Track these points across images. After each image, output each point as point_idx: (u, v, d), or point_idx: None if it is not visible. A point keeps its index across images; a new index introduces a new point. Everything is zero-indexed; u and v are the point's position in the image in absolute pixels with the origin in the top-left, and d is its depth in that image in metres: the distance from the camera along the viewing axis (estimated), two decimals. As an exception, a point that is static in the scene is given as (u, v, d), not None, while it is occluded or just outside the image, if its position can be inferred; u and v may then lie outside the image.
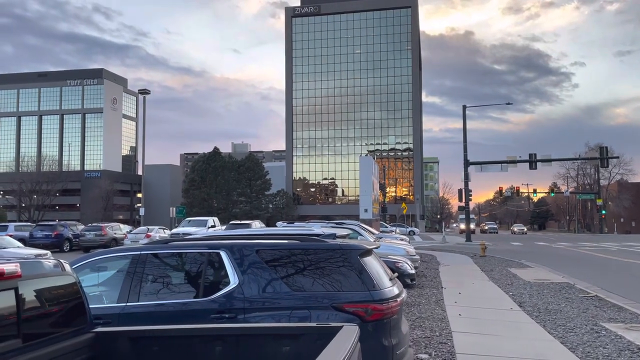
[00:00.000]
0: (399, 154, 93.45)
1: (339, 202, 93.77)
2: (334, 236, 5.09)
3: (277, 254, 4.66)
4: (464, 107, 38.80)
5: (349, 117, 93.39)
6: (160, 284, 4.71)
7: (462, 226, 75.96)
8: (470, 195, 38.54)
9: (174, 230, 32.54)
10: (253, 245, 4.76)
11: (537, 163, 38.71)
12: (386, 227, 39.10)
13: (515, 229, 76.82)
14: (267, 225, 41.24)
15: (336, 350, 2.25)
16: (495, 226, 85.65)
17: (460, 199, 39.76)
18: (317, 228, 8.36)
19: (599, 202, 65.09)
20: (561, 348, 6.96)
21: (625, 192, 74.58)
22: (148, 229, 31.80)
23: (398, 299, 4.52)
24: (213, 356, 2.99)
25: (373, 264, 4.69)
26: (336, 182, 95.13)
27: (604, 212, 64.28)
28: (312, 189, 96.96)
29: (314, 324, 2.98)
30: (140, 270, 4.70)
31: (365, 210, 29.52)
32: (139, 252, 4.81)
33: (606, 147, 38.90)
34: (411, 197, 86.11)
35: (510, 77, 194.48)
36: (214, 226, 33.98)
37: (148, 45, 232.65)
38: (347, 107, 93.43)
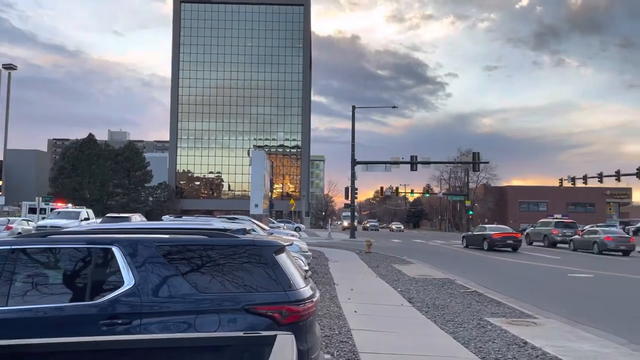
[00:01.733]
0: (287, 150, 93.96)
1: (225, 197, 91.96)
2: (244, 231, 4.64)
3: (181, 250, 4.11)
4: (353, 107, 39.86)
5: (238, 111, 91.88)
6: (35, 285, 3.92)
7: (345, 223, 78.44)
8: (356, 194, 39.74)
9: (41, 223, 29.47)
10: (152, 240, 4.16)
11: (417, 165, 40.98)
12: (273, 223, 38.92)
13: (394, 227, 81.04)
14: (147, 219, 38.97)
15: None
16: (377, 224, 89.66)
17: (346, 197, 40.81)
18: (217, 222, 7.76)
19: (468, 203, 70.68)
20: (455, 343, 7.15)
21: (489, 195, 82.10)
22: (9, 220, 28.41)
23: (314, 299, 4.22)
24: (112, 376, 2.43)
25: (287, 262, 4.33)
26: (222, 177, 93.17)
27: (471, 212, 69.88)
28: (197, 183, 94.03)
29: (240, 333, 2.54)
30: (10, 268, 3.88)
31: (256, 206, 29.02)
32: (8, 247, 3.98)
33: (478, 153, 42.28)
34: (297, 193, 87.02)
35: (392, 82, 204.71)
36: (87, 219, 31.39)
37: (13, 17, 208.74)
38: (237, 100, 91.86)
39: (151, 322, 3.79)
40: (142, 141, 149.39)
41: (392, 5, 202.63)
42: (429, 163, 42.15)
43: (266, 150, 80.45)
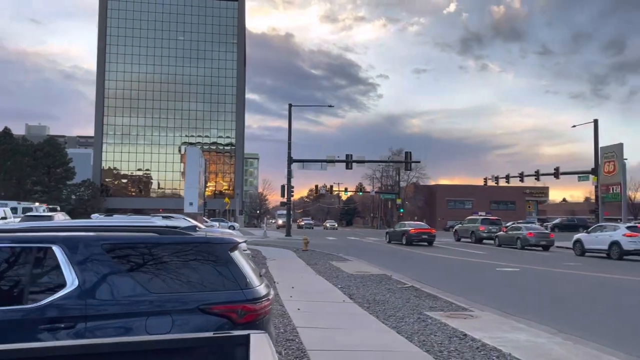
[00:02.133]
0: (221, 148, 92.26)
1: (154, 195, 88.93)
2: (194, 229, 4.46)
3: (130, 248, 3.88)
4: (290, 105, 39.80)
5: (169, 106, 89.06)
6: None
7: (280, 222, 78.22)
8: (292, 192, 39.73)
9: (-49, 222, 27.11)
10: (97, 238, 3.90)
11: (353, 164, 41.59)
12: (207, 221, 38.06)
13: (328, 225, 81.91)
14: (71, 218, 36.91)
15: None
16: (311, 222, 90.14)
17: (282, 195, 40.65)
18: (158, 220, 7.39)
19: (399, 201, 72.68)
20: (400, 338, 7.27)
21: (419, 193, 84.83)
22: None
23: (269, 297, 4.13)
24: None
25: (242, 260, 4.21)
26: (151, 174, 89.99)
27: (401, 210, 71.86)
28: (124, 180, 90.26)
29: (210, 334, 2.41)
30: None
31: (191, 204, 28.25)
32: None
33: (410, 152, 43.51)
34: (231, 192, 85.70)
35: (325, 82, 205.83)
36: (4, 218, 29.26)
37: None
38: (167, 95, 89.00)
39: (97, 326, 3.55)
40: (63, 136, 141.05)
41: (325, 6, 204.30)
42: (364, 162, 42.92)
43: (198, 147, 78.65)
